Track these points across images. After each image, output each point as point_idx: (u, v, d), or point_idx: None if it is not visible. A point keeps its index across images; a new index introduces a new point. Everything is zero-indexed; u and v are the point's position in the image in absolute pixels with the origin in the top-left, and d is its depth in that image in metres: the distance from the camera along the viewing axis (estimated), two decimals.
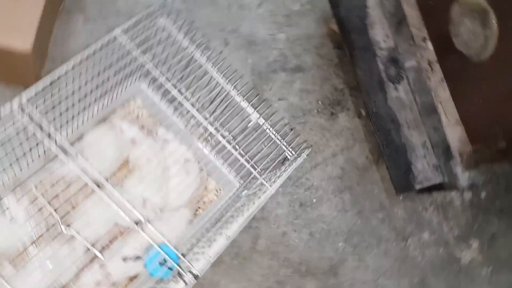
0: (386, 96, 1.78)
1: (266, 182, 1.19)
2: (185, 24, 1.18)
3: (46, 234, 1.23)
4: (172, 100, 1.40)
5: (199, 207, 1.52)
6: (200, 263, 1.01)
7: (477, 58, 1.48)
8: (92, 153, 1.30)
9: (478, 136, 1.61)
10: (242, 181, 1.44)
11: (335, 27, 1.89)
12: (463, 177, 1.70)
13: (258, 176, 1.14)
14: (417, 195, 1.91)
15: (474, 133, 1.63)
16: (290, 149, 1.20)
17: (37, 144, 1.07)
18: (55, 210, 1.08)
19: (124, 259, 1.32)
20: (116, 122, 1.40)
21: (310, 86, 1.89)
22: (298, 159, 1.18)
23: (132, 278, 1.31)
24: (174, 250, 1.05)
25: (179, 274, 1.00)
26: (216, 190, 1.59)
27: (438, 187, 1.79)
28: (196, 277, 1.00)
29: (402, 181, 1.75)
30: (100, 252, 1.22)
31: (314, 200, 1.80)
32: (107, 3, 1.72)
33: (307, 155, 1.82)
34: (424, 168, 1.75)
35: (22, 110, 0.97)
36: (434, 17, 1.62)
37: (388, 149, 1.76)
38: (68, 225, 1.12)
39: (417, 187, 1.73)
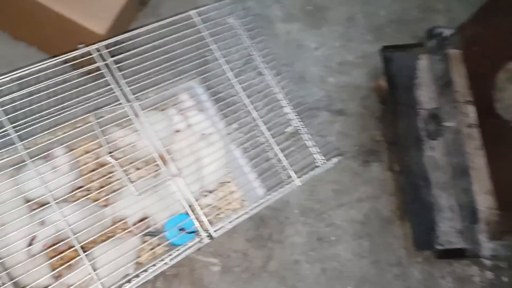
0: (422, 154, 1.83)
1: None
2: (253, 27, 1.30)
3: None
4: (218, 100, 1.50)
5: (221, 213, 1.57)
6: (216, 226, 1.05)
7: None
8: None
9: (509, 204, 1.61)
10: (267, 189, 1.49)
11: (383, 83, 2.00)
12: (487, 246, 1.67)
13: (288, 167, 1.19)
14: (436, 261, 1.88)
15: (504, 201, 1.63)
16: (321, 155, 1.25)
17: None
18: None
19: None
20: (169, 109, 1.52)
21: (349, 131, 1.96)
22: (328, 162, 1.23)
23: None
24: (191, 214, 1.09)
25: (196, 232, 1.04)
26: (242, 200, 1.64)
27: (459, 254, 1.76)
28: (210, 236, 1.03)
29: (423, 238, 1.74)
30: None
31: (333, 238, 1.80)
32: None
33: (333, 191, 1.87)
34: (448, 230, 1.75)
35: (101, 56, 1.09)
36: (479, 82, 1.69)
37: (415, 204, 1.78)
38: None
39: (438, 247, 1.72)
